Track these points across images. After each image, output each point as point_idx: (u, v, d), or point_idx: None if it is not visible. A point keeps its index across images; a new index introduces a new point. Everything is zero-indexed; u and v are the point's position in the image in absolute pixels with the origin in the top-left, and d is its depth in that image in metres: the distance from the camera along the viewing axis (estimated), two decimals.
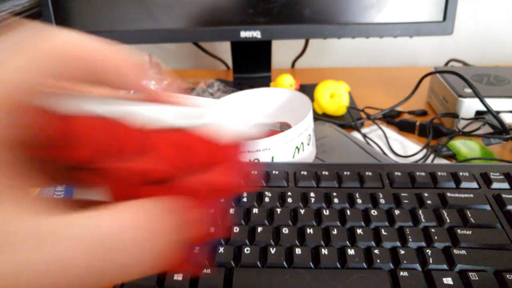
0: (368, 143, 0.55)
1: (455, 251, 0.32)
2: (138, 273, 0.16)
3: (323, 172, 0.40)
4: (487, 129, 0.53)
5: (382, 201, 0.37)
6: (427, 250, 0.32)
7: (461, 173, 0.39)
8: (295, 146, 0.45)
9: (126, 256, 0.15)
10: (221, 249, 0.33)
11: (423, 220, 0.34)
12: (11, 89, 0.15)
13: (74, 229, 0.15)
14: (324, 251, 0.32)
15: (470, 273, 0.30)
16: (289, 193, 0.38)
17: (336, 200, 0.37)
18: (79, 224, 0.15)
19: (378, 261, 0.32)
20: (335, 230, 0.34)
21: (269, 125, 0.49)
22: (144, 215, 0.16)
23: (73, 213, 0.15)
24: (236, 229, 0.34)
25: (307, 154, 0.47)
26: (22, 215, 0.14)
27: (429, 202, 0.36)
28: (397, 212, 0.35)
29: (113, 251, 0.15)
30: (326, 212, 0.36)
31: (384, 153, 0.53)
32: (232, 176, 0.19)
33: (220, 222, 0.19)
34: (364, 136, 0.57)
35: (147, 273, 0.16)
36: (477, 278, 0.30)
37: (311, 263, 0.32)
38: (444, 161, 0.52)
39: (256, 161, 0.44)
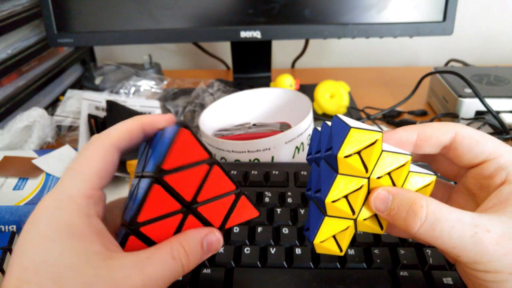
0: None
1: None
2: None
3: None
4: (487, 129, 0.53)
5: None
6: (427, 250, 0.32)
7: None
8: (295, 146, 0.45)
9: None
10: (221, 249, 0.33)
11: None
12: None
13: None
14: None
15: None
16: (289, 193, 0.38)
17: None
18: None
19: (378, 261, 0.32)
20: None
21: (269, 125, 0.49)
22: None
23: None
24: (236, 229, 0.34)
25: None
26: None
27: None
28: None
29: None
30: None
31: None
32: None
33: None
34: None
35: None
36: None
37: (311, 263, 0.32)
38: None
39: (256, 161, 0.44)
